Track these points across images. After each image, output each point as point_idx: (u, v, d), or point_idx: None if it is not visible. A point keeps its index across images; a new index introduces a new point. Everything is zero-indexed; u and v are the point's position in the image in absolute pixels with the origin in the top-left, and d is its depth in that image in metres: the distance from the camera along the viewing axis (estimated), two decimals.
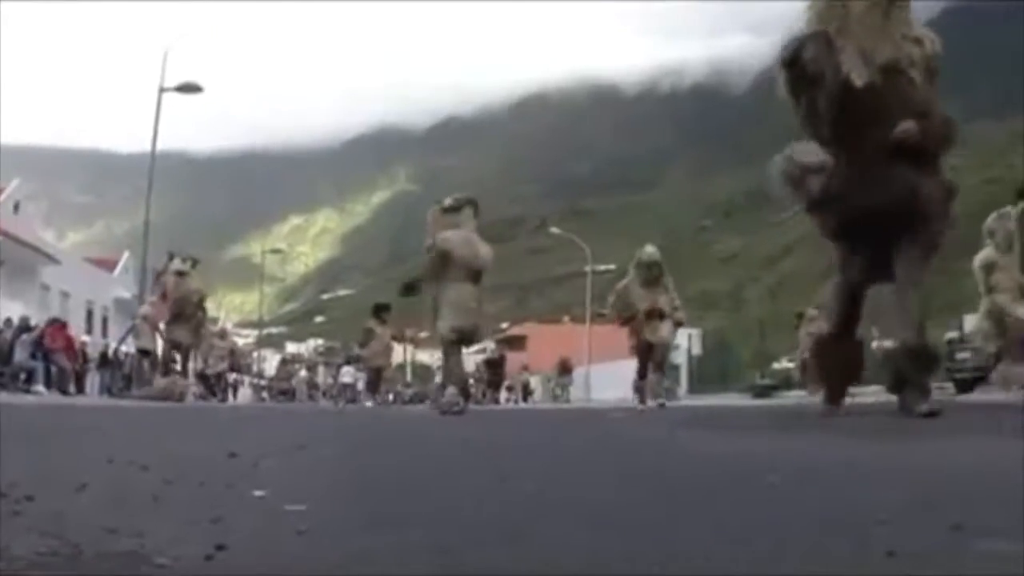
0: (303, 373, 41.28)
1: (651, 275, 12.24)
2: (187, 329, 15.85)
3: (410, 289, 10.20)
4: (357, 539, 1.41)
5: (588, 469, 2.81)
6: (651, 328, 12.16)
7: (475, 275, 9.44)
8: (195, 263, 16.26)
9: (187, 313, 15.79)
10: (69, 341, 21.24)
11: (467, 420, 8.16)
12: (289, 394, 35.70)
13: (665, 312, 12.24)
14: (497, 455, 3.50)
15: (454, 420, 8.08)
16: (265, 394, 39.43)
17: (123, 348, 27.59)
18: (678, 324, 13.01)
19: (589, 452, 3.73)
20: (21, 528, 1.40)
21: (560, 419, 9.17)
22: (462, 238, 9.31)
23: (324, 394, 35.86)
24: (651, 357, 12.47)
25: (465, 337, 9.58)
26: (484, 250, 9.59)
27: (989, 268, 11.35)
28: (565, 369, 34.55)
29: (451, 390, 9.30)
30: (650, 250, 12.43)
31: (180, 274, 15.76)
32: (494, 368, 33.46)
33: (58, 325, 21.44)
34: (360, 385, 31.16)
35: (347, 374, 32.04)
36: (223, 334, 27.49)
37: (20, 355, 18.93)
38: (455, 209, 9.56)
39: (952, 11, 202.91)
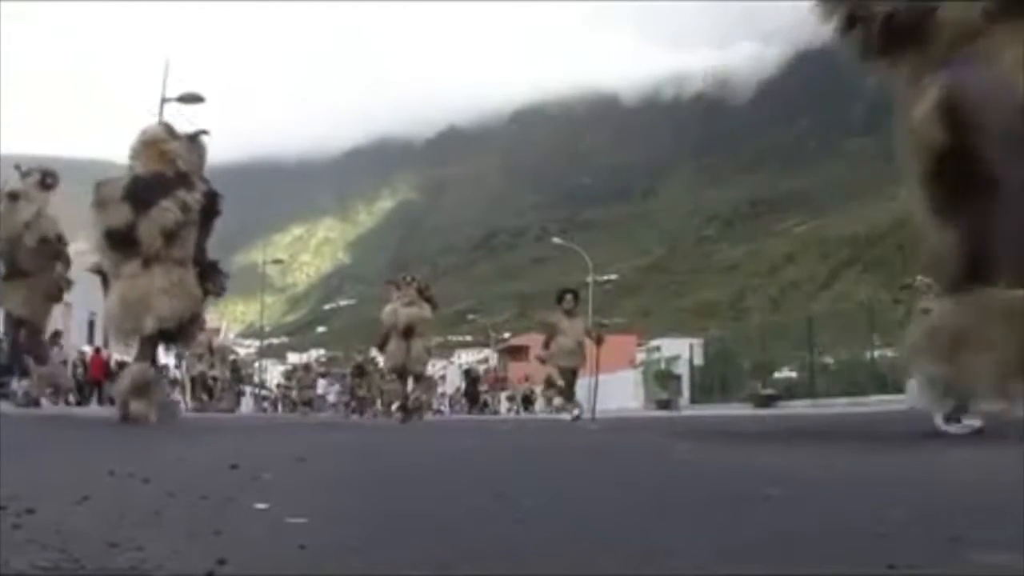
0: None
1: None
2: (24, 291, 9.47)
3: (381, 347, 13.89)
4: (359, 553, 1.41)
5: (584, 480, 2.81)
6: None
7: (404, 332, 12.94)
8: (47, 179, 9.52)
9: (23, 264, 9.39)
10: (106, 364, 22.38)
11: (462, 431, 8.18)
12: (311, 404, 30.81)
13: None
14: (495, 467, 3.50)
15: (448, 430, 8.13)
16: (271, 405, 38.60)
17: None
18: None
19: (585, 463, 3.73)
20: (21, 541, 1.40)
21: (557, 430, 9.17)
22: (390, 310, 13.16)
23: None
24: None
25: (397, 371, 13.35)
26: (408, 314, 12.94)
27: None
28: (549, 384, 36.71)
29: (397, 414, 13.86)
30: None
31: (12, 198, 9.20)
32: (472, 383, 36.05)
33: (96, 354, 22.94)
34: (332, 397, 30.53)
35: (320, 386, 31.23)
36: (201, 327, 23.49)
37: None
38: (400, 287, 13.36)
39: None
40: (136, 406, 6.19)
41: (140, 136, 6.72)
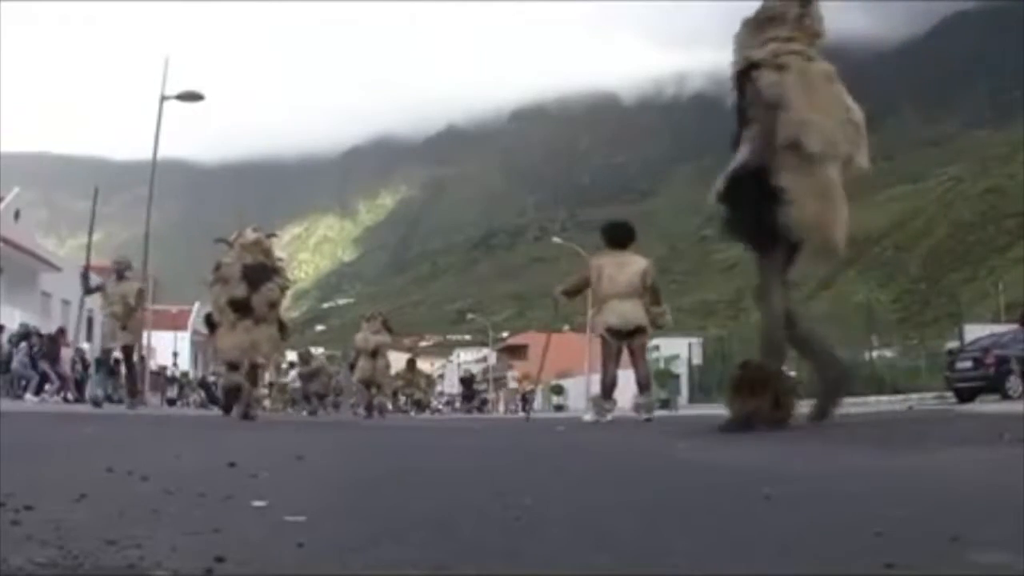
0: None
1: None
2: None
3: (352, 366, 19.16)
4: (358, 551, 1.41)
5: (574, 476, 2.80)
6: None
7: (372, 353, 17.19)
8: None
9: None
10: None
11: (462, 430, 8.20)
12: (326, 400, 27.30)
13: None
14: (494, 465, 3.50)
15: (448, 429, 8.16)
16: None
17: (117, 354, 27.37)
18: None
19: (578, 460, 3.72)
20: (20, 538, 1.40)
21: (556, 430, 9.16)
22: (361, 337, 17.48)
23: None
24: None
25: (365, 382, 17.54)
26: (376, 340, 17.29)
27: None
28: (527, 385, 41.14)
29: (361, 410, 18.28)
30: None
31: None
32: (467, 385, 37.65)
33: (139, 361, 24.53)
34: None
35: (294, 380, 31.01)
36: (122, 271, 13.78)
37: (17, 364, 18.97)
38: (369, 320, 17.90)
39: (953, 20, 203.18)
40: (252, 411, 10.05)
41: (248, 236, 10.29)
